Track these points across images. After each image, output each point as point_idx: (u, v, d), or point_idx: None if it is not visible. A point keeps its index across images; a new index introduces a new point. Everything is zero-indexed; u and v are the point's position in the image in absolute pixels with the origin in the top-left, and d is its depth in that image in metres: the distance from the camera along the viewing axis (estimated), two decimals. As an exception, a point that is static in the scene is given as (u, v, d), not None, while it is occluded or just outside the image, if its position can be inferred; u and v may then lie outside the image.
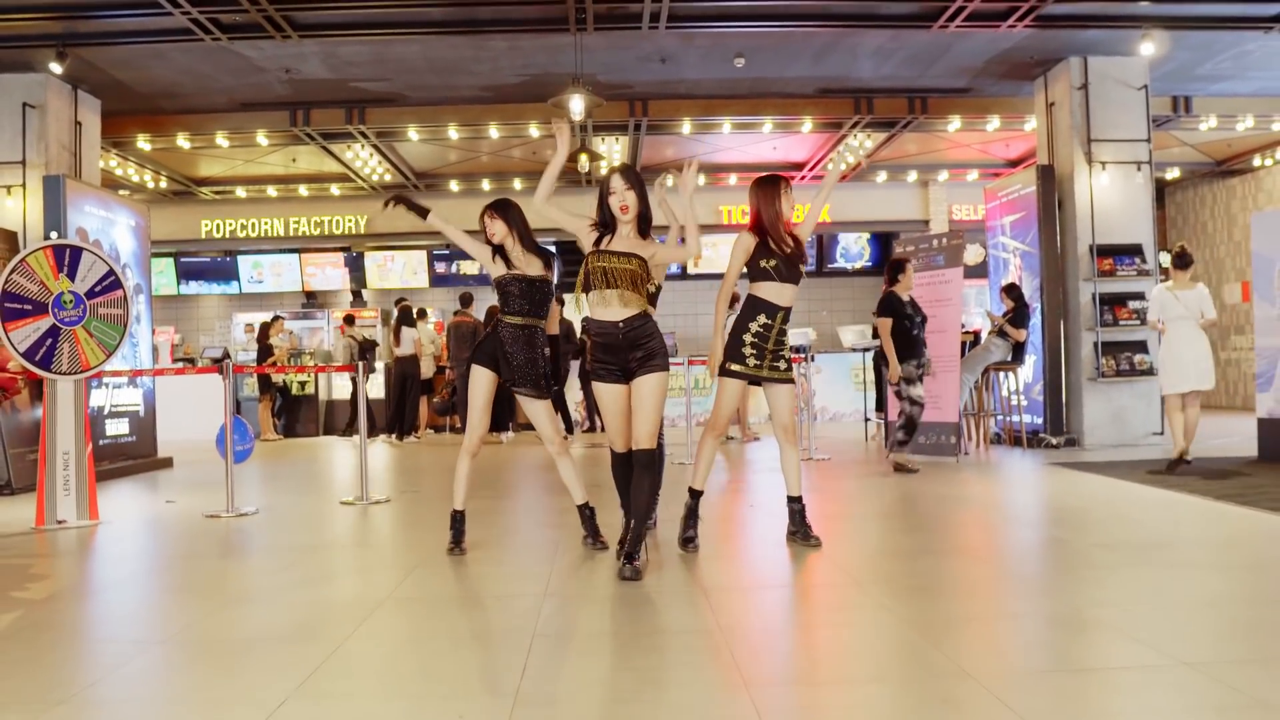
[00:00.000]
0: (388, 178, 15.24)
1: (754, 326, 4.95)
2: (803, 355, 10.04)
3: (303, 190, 16.03)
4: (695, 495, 5.07)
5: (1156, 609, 3.74)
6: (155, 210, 12.24)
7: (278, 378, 14.08)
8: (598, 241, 4.60)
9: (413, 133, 12.24)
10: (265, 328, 14.09)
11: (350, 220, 16.57)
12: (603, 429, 4.79)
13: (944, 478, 7.82)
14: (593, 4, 8.68)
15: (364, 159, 14.13)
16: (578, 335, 12.31)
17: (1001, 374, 10.25)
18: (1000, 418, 10.56)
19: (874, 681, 3.02)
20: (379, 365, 14.43)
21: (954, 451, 9.01)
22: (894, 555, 5.03)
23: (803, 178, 15.75)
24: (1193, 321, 7.94)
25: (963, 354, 9.71)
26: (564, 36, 9.38)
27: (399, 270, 17.71)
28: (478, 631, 3.70)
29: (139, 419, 10.20)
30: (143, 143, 12.30)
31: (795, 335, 12.93)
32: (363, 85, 10.94)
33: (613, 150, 14.07)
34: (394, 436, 12.99)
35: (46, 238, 8.70)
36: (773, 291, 4.97)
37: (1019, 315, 9.85)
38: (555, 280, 5.15)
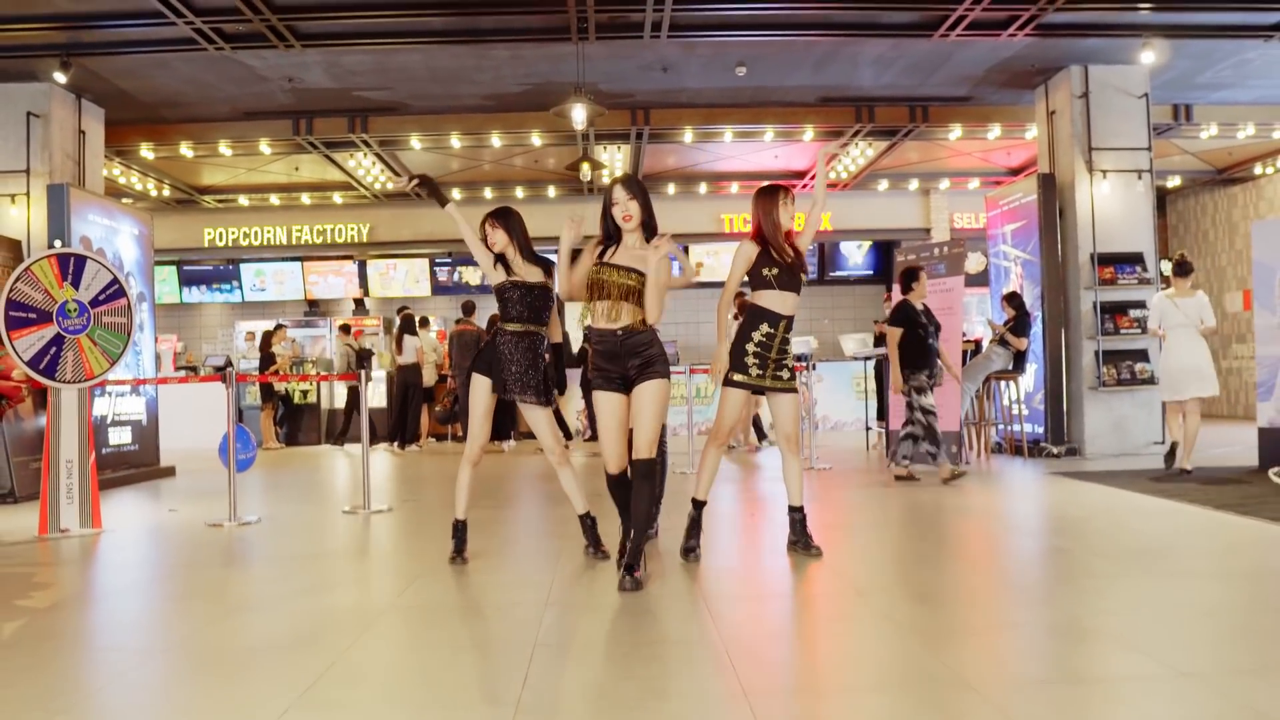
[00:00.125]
0: (390, 186, 15.27)
1: (756, 336, 4.95)
2: (804, 364, 10.05)
3: (305, 199, 16.06)
4: (698, 506, 5.08)
5: (1156, 619, 3.75)
6: (158, 218, 12.28)
7: (280, 386, 14.10)
8: (602, 254, 4.61)
9: (415, 141, 12.27)
10: (268, 336, 14.10)
11: (353, 228, 16.60)
12: None
13: (945, 487, 7.82)
14: (594, 13, 8.71)
15: (366, 167, 14.18)
16: (575, 348, 12.32)
17: (1003, 383, 10.27)
18: (1001, 427, 10.56)
19: (874, 691, 3.03)
20: (377, 374, 14.44)
21: (955, 461, 9.00)
22: (895, 564, 5.03)
23: (804, 186, 15.76)
24: (1192, 329, 8.02)
25: (964, 363, 9.73)
26: (566, 45, 9.41)
27: (401, 279, 17.75)
28: (479, 641, 3.71)
29: (142, 428, 10.21)
30: (146, 151, 12.34)
31: (797, 344, 12.93)
32: (365, 94, 10.98)
33: (614, 159, 14.11)
34: (395, 445, 13.00)
35: (50, 246, 8.73)
36: (774, 300, 4.98)
37: (1020, 324, 9.87)
38: (557, 289, 5.14)
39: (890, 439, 9.79)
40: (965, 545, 5.65)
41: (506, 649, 3.50)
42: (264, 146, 12.37)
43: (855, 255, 18.21)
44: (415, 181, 5.26)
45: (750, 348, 4.96)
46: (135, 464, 9.94)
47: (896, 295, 9.80)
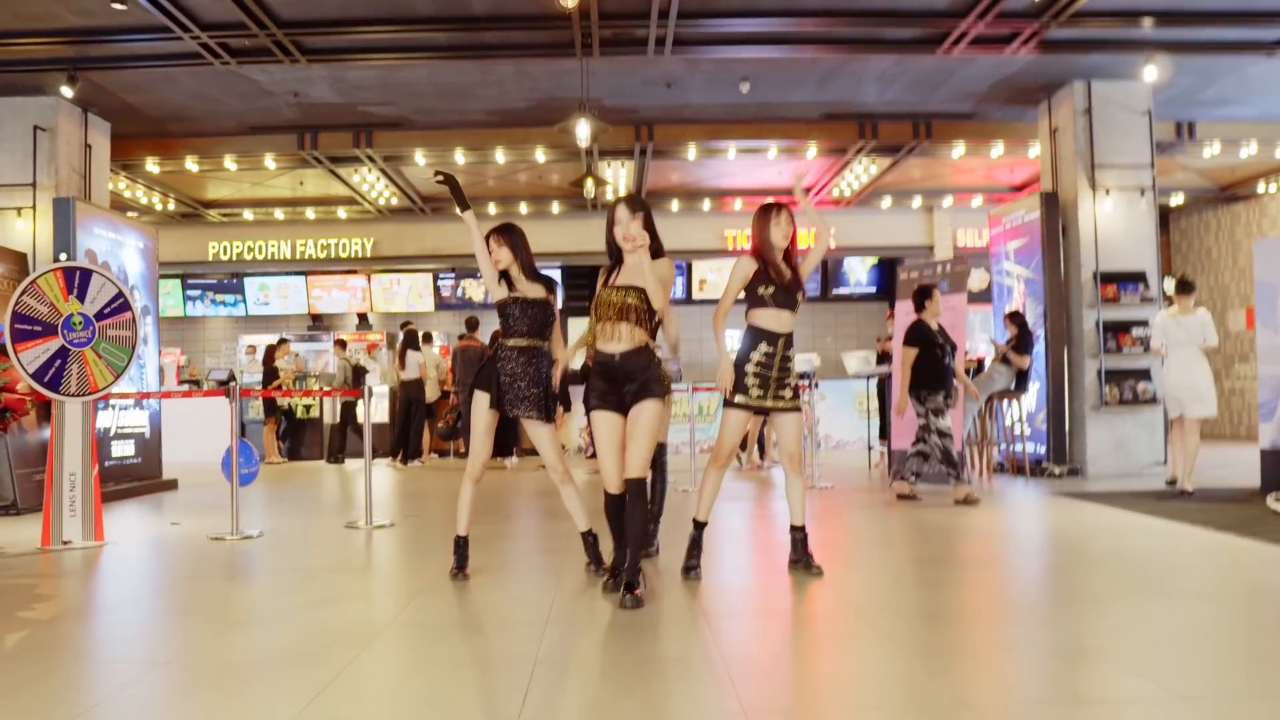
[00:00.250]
0: (394, 201, 15.32)
1: (755, 356, 4.95)
2: (807, 381, 10.04)
3: (309, 213, 16.12)
4: (699, 526, 5.07)
5: (1157, 640, 3.74)
6: (163, 232, 12.33)
7: (283, 401, 14.10)
8: (606, 277, 4.67)
9: (419, 156, 12.32)
10: (271, 350, 14.12)
11: (357, 243, 16.65)
12: None
13: (947, 507, 7.81)
14: (599, 29, 8.76)
15: (371, 182, 14.23)
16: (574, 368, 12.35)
17: (1005, 402, 10.26)
18: (1003, 446, 10.55)
19: (874, 711, 3.02)
20: (380, 389, 14.44)
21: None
22: (895, 584, 5.03)
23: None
24: (1194, 348, 8.07)
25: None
26: (570, 61, 9.46)
27: (404, 294, 17.81)
28: (480, 657, 3.71)
29: (144, 441, 10.23)
30: (152, 165, 12.40)
31: (799, 362, 12.93)
32: (370, 109, 11.03)
33: (618, 174, 14.14)
34: (398, 460, 13.00)
35: (56, 259, 8.77)
36: (770, 319, 4.97)
37: (1022, 342, 9.87)
38: (560, 306, 5.15)
39: (892, 458, 9.77)
40: (966, 565, 5.64)
41: (507, 666, 3.50)
42: (269, 161, 12.42)
43: (858, 272, 18.23)
44: (440, 177, 5.22)
45: (750, 368, 4.95)
46: (138, 477, 9.95)
47: (900, 312, 9.83)
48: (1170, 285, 9.90)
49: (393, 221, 16.48)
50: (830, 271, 18.13)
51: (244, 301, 17.88)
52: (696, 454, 10.06)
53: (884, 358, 11.65)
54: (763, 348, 4.94)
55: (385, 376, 15.08)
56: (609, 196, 14.40)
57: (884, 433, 11.29)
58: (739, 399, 4.97)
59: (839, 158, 13.21)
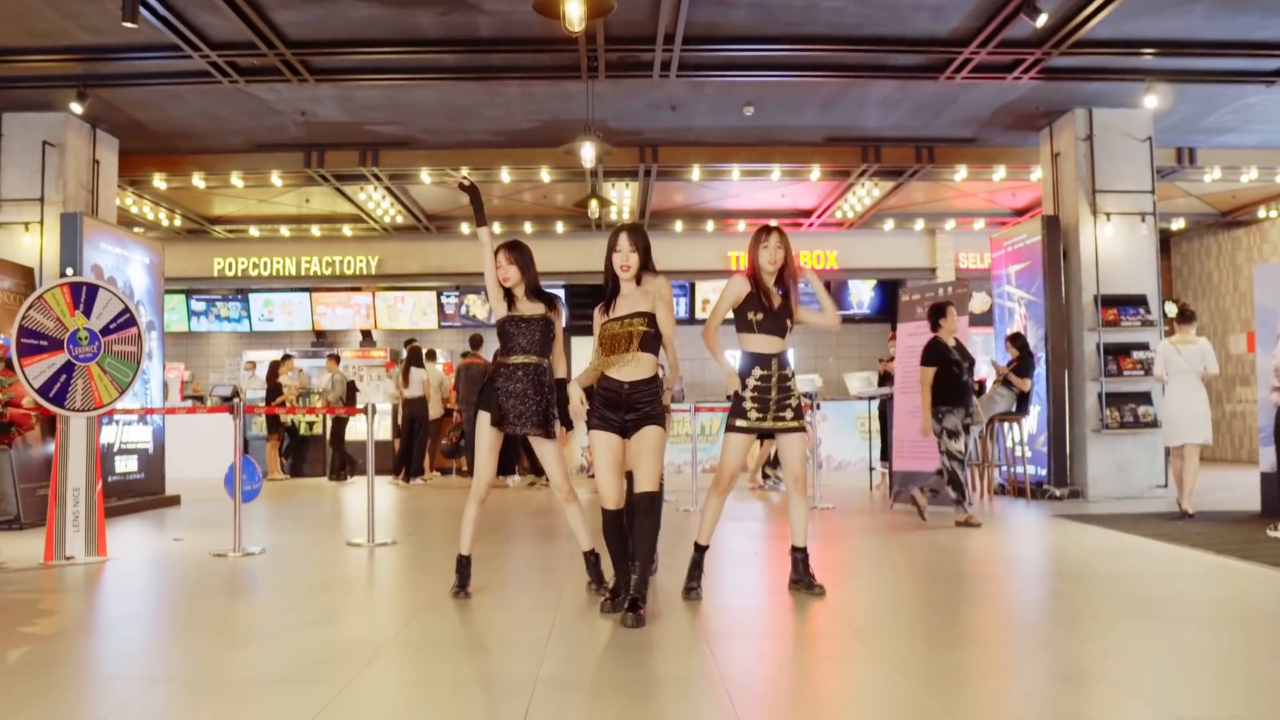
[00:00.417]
0: (399, 219, 15.39)
1: (751, 381, 4.95)
2: (810, 401, 10.05)
3: (315, 230, 16.18)
4: (700, 549, 5.08)
5: (1155, 663, 3.76)
6: (169, 247, 12.39)
7: (286, 417, 14.12)
8: (606, 307, 4.72)
9: (425, 175, 12.39)
10: (275, 366, 14.14)
11: (362, 260, 16.71)
12: None
13: (947, 528, 7.82)
14: (604, 52, 8.83)
15: (376, 200, 14.30)
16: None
17: (1006, 424, 10.28)
18: (1004, 469, 10.56)
19: (873, 732, 3.04)
20: (383, 407, 14.45)
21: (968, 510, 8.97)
22: (896, 605, 5.04)
23: (810, 225, 15.88)
24: (1194, 376, 8.19)
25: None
26: (576, 84, 9.53)
27: (408, 311, 17.86)
28: (481, 676, 3.73)
29: (148, 456, 10.25)
30: (159, 181, 12.47)
31: (801, 382, 12.95)
32: (377, 128, 11.10)
33: (622, 196, 14.21)
34: (400, 478, 13.02)
35: (63, 274, 8.82)
36: (759, 343, 4.97)
37: (1024, 365, 9.90)
38: (564, 324, 5.17)
39: (894, 479, 9.77)
40: (966, 587, 5.65)
41: (508, 685, 3.51)
42: (275, 178, 12.48)
43: (861, 294, 18.27)
44: (466, 184, 5.23)
45: (747, 393, 4.96)
46: (141, 492, 9.97)
47: (902, 334, 9.86)
48: (1171, 309, 9.95)
49: (398, 239, 16.54)
50: (833, 293, 18.04)
51: (248, 317, 17.93)
52: (699, 474, 10.06)
53: (886, 379, 11.67)
54: (757, 371, 4.95)
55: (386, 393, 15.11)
56: (613, 217, 14.47)
57: (885, 454, 11.30)
58: (739, 424, 4.98)
59: (842, 180, 13.26)
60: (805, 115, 10.77)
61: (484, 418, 5.02)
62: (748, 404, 4.96)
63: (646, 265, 4.72)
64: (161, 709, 3.33)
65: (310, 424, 14.43)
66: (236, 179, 12.33)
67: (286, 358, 14.40)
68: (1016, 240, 11.21)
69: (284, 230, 16.16)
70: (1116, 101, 10.10)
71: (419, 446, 13.19)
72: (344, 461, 13.75)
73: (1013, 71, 9.27)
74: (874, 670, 3.71)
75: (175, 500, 10.28)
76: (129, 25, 7.39)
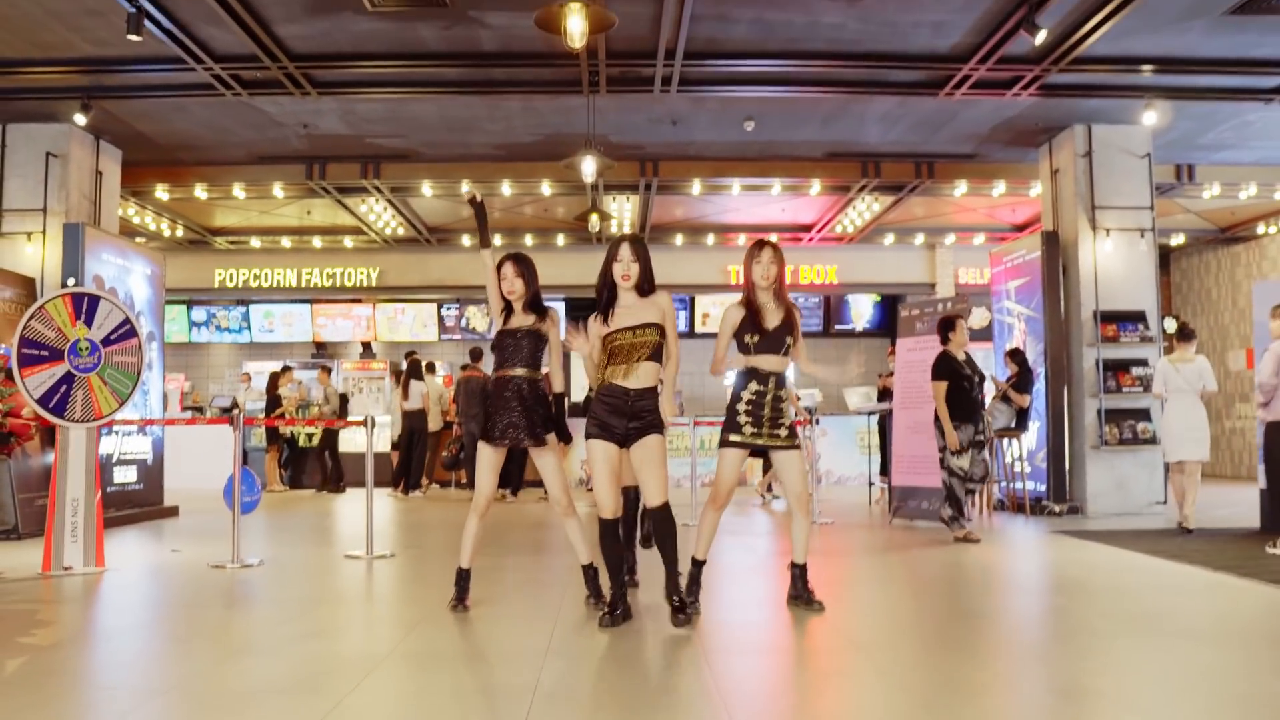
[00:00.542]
0: (400, 231, 15.42)
1: (746, 395, 4.95)
2: (809, 416, 10.05)
3: (316, 242, 16.21)
4: (698, 564, 5.07)
5: (1154, 680, 3.76)
6: (170, 258, 12.40)
7: (286, 429, 14.11)
8: (605, 318, 4.73)
9: (426, 188, 12.42)
10: (275, 377, 14.14)
11: (363, 272, 16.74)
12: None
13: (946, 544, 7.82)
14: (605, 67, 8.86)
15: (377, 212, 14.33)
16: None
17: (1005, 440, 10.28)
18: (1003, 484, 10.56)
19: (870, 747, 3.04)
20: (383, 419, 14.46)
21: (962, 525, 8.96)
22: (894, 620, 5.04)
23: (810, 239, 15.91)
24: (1192, 394, 8.27)
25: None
26: (577, 98, 9.56)
27: (409, 323, 17.87)
28: (479, 688, 3.73)
29: (147, 467, 10.25)
30: (161, 192, 12.50)
31: (801, 396, 12.95)
32: (378, 141, 11.14)
33: (623, 209, 14.24)
34: (399, 490, 13.01)
35: (64, 284, 8.84)
36: (758, 361, 4.96)
37: (1023, 380, 9.91)
38: (562, 336, 5.17)
39: (893, 494, 9.77)
40: (965, 603, 5.65)
41: (506, 697, 3.51)
42: (277, 190, 12.52)
43: (860, 309, 18.29)
44: (471, 196, 5.22)
45: (742, 406, 4.96)
46: (139, 503, 9.97)
47: (903, 348, 9.86)
48: (1170, 325, 9.99)
49: (399, 251, 16.57)
50: (833, 308, 18.19)
51: (249, 328, 17.94)
52: (698, 488, 10.06)
53: (885, 394, 11.67)
54: (753, 386, 4.95)
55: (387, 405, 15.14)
56: (614, 230, 14.49)
57: (885, 469, 11.29)
58: (733, 437, 4.97)
59: (842, 195, 13.29)
60: (806, 130, 10.80)
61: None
62: (742, 417, 4.95)
63: (647, 277, 4.74)
64: (159, 720, 3.34)
65: (310, 435, 14.42)
66: (238, 190, 12.36)
67: (286, 369, 14.39)
68: (1016, 255, 11.23)
69: (285, 242, 16.19)
70: (1116, 118, 10.14)
71: (418, 459, 13.19)
72: (340, 474, 13.76)
73: (1012, 88, 9.31)
74: (873, 686, 3.71)
75: (174, 511, 10.28)
76: (134, 38, 7.44)
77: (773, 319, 4.97)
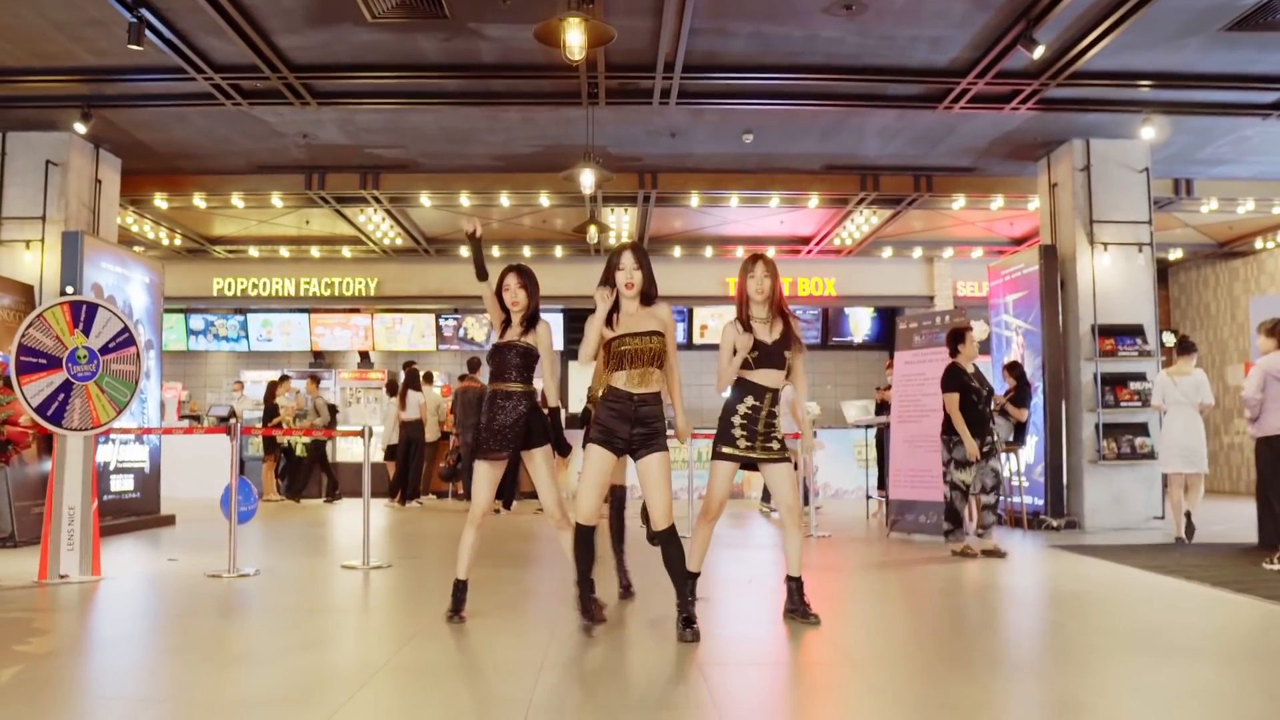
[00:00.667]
0: (399, 241, 15.43)
1: (741, 409, 4.95)
2: (821, 444, 9.98)
3: (314, 251, 16.23)
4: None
5: (1150, 697, 3.75)
6: (169, 267, 12.41)
7: (283, 439, 14.09)
8: (610, 323, 4.73)
9: (425, 199, 12.44)
10: (272, 387, 14.13)
11: (361, 282, 16.75)
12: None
13: (943, 558, 7.81)
14: (605, 79, 8.89)
15: (376, 223, 14.34)
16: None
17: (1003, 454, 10.25)
18: (1001, 499, 10.52)
19: (866, 762, 3.03)
20: (379, 429, 14.43)
21: (962, 540, 8.94)
22: (890, 635, 5.03)
23: (808, 251, 15.93)
24: (1190, 407, 8.31)
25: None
26: (576, 110, 9.59)
27: (407, 333, 17.87)
28: (474, 700, 3.72)
29: (144, 475, 10.24)
30: (160, 201, 12.51)
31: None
32: (378, 152, 11.16)
33: (621, 221, 14.26)
34: (396, 501, 12.99)
35: (63, 292, 8.84)
36: (756, 375, 4.97)
37: (1021, 394, 9.91)
38: (560, 347, 5.18)
39: (890, 508, 9.76)
40: (962, 618, 5.64)
41: (501, 710, 3.50)
42: (276, 199, 12.54)
43: (858, 321, 18.31)
44: (474, 230, 5.21)
45: (736, 420, 4.96)
46: (136, 512, 9.96)
47: (900, 362, 9.87)
48: (1169, 339, 10.00)
49: (397, 261, 16.58)
50: (831, 320, 18.21)
51: (247, 337, 17.94)
52: (694, 500, 10.04)
53: (883, 407, 11.66)
54: (749, 400, 4.95)
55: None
56: (612, 242, 14.51)
57: (882, 482, 11.29)
58: (726, 450, 4.98)
59: (840, 208, 13.33)
60: (804, 143, 10.83)
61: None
62: (736, 430, 4.96)
63: (650, 284, 4.75)
64: (153, 731, 3.33)
65: (307, 445, 14.40)
66: (237, 200, 12.38)
67: (284, 379, 14.39)
68: (1014, 269, 11.25)
69: (283, 251, 16.20)
70: (1114, 132, 10.18)
71: (415, 469, 13.18)
72: (335, 484, 13.75)
73: (1010, 102, 9.34)
74: (868, 701, 3.70)
75: (170, 520, 10.26)
76: (134, 48, 7.46)
77: (772, 333, 4.98)
